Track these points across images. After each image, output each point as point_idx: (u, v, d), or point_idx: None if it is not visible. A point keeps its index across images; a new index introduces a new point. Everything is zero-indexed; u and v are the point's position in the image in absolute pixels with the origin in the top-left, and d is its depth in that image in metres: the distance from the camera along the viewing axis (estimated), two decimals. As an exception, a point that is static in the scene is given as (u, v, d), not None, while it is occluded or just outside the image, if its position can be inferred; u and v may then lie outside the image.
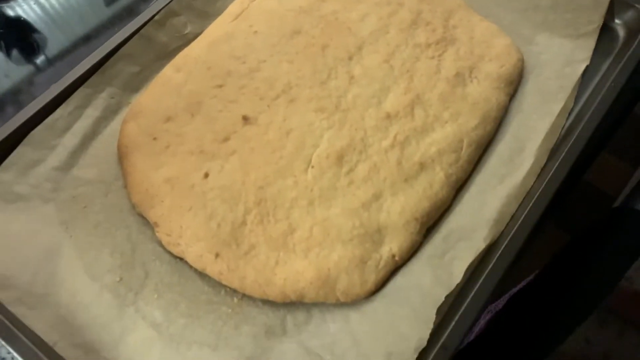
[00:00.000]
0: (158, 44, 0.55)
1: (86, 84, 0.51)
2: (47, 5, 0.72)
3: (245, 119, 0.49)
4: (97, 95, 0.52)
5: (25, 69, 0.66)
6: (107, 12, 0.72)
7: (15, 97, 0.64)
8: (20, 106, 0.63)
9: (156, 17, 0.55)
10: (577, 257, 0.55)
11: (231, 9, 0.58)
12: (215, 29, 0.56)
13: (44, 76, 0.66)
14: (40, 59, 0.67)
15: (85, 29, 0.69)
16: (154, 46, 0.55)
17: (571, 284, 0.52)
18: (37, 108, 0.50)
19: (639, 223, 0.55)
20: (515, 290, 0.56)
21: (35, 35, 0.69)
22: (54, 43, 0.68)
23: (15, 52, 0.68)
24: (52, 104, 0.50)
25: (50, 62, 0.67)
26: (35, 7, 0.72)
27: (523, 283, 0.56)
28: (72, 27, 0.70)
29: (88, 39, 0.68)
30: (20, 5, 0.72)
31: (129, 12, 0.73)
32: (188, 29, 0.57)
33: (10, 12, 0.71)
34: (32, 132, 0.49)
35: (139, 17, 0.55)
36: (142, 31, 0.54)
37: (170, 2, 0.56)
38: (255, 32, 0.55)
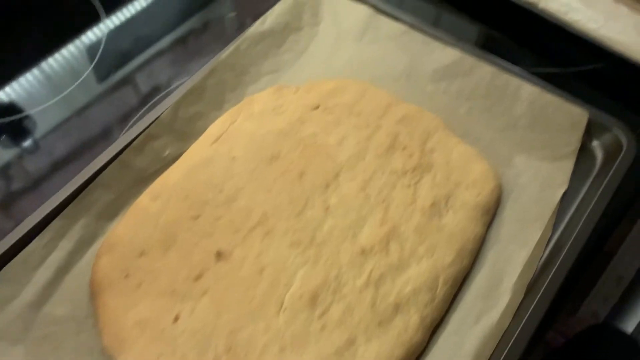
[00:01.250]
0: (135, 169, 0.55)
1: (61, 215, 0.51)
2: (34, 87, 0.72)
3: (219, 254, 0.49)
4: (72, 226, 0.51)
5: (13, 152, 0.66)
6: (99, 88, 0.72)
7: (3, 177, 0.64)
8: (8, 185, 0.63)
9: (134, 143, 0.55)
10: None
11: (211, 131, 0.58)
12: (195, 153, 0.56)
13: (32, 159, 0.66)
14: (28, 142, 0.67)
15: (76, 108, 0.70)
16: (131, 172, 0.55)
17: None
18: (12, 241, 0.49)
19: (622, 344, 0.54)
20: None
21: (25, 120, 0.70)
22: (43, 124, 0.68)
23: (4, 137, 0.69)
24: (27, 236, 0.50)
25: (38, 144, 0.67)
26: (21, 90, 0.72)
27: None
28: (62, 106, 0.70)
29: (78, 117, 0.68)
30: (12, 88, 0.72)
31: (123, 84, 0.73)
32: (167, 152, 0.57)
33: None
34: (6, 268, 0.49)
35: (116, 142, 0.55)
36: (120, 157, 0.54)
37: (149, 126, 0.56)
38: (234, 157, 0.55)
